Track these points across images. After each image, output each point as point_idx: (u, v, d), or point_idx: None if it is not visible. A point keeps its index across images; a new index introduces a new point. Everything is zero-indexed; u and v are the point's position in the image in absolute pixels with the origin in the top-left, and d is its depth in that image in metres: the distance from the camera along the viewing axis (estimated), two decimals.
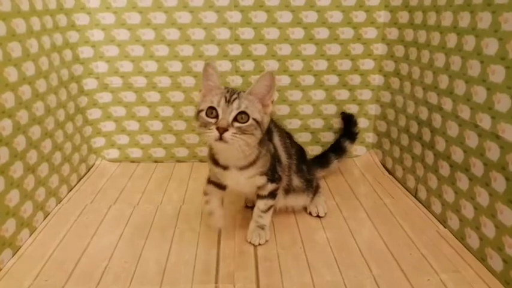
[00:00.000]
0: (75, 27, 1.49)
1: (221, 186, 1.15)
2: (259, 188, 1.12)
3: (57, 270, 1.01)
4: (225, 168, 1.06)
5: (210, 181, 1.16)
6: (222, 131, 0.93)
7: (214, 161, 1.08)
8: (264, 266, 1.03)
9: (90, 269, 1.02)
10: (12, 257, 1.05)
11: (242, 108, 0.95)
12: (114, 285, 0.96)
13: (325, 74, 1.63)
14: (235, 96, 0.97)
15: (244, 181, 1.08)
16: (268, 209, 1.15)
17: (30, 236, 1.15)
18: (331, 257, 1.07)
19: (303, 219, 1.26)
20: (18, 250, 1.08)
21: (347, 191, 1.46)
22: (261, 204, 1.14)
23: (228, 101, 0.96)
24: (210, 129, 0.94)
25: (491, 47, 1.01)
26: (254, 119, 0.96)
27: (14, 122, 1.09)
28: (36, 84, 1.21)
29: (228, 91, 0.99)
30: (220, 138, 0.93)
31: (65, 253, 1.08)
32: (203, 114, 0.97)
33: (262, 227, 1.14)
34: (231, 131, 0.93)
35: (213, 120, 0.95)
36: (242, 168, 1.05)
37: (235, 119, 0.95)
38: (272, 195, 1.14)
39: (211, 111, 0.96)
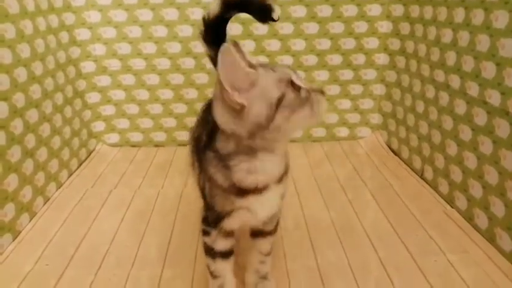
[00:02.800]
0: (71, 9, 1.45)
1: (229, 252, 0.79)
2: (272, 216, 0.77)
3: (58, 255, 1.00)
4: (264, 188, 0.69)
5: (215, 252, 0.77)
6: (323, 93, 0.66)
7: (242, 190, 0.68)
8: None
9: (91, 253, 1.01)
10: (13, 241, 1.04)
11: None
12: (115, 269, 0.95)
13: (329, 54, 1.59)
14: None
15: (277, 202, 0.74)
16: (271, 249, 0.85)
17: (30, 221, 1.13)
18: (336, 238, 1.05)
19: (307, 200, 1.24)
20: (18, 235, 1.07)
21: (352, 172, 1.43)
22: (265, 244, 0.83)
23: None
24: (312, 101, 0.64)
25: (501, 20, 0.97)
26: None
27: (10, 105, 1.06)
28: (32, 67, 1.18)
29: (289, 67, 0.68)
30: None
31: (65, 238, 1.07)
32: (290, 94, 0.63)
33: (265, 277, 0.86)
34: None
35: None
36: (281, 178, 0.71)
37: None
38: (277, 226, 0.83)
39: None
